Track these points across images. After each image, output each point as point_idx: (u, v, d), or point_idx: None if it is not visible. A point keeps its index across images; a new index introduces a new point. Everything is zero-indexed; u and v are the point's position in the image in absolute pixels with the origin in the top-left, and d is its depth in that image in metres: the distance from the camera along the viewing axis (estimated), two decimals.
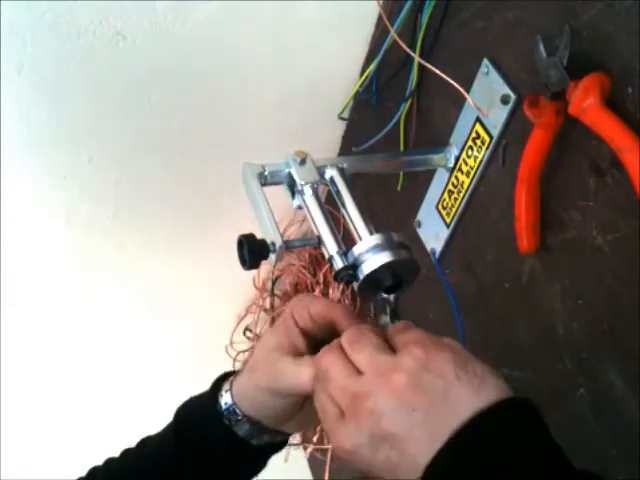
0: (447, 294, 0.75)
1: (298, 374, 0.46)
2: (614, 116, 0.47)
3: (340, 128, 0.97)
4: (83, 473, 0.55)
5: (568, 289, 0.57)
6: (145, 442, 0.55)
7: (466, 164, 0.67)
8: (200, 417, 0.53)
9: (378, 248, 0.49)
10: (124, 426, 0.98)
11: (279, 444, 0.55)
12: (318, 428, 1.06)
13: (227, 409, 0.51)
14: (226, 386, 0.52)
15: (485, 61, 0.63)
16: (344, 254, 0.51)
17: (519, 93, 0.59)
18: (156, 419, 0.54)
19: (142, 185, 0.94)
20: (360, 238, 0.53)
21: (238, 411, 0.51)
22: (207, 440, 0.52)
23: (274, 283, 1.13)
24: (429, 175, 0.74)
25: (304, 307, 0.49)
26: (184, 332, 1.15)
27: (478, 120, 0.65)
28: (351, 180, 0.60)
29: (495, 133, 0.63)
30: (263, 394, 0.49)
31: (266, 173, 0.58)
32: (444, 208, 0.72)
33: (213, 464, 0.52)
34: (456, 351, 0.40)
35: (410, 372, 0.38)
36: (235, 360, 1.12)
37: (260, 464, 0.55)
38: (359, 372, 0.41)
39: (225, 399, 0.52)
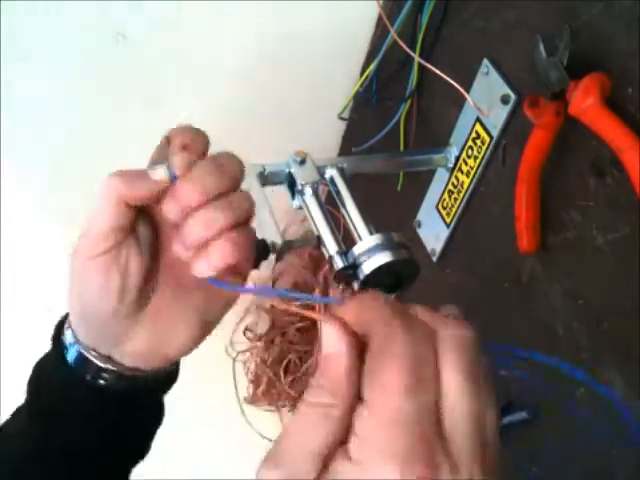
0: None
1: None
2: (614, 116, 0.47)
3: (340, 128, 0.97)
4: None
5: (568, 289, 0.57)
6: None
7: (466, 164, 0.67)
8: (52, 380, 0.49)
9: (378, 248, 0.49)
10: None
11: (164, 379, 0.50)
12: None
13: (76, 358, 0.48)
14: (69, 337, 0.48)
15: (485, 61, 0.63)
16: (344, 254, 0.51)
17: (519, 93, 0.59)
18: None
19: None
20: (360, 238, 0.53)
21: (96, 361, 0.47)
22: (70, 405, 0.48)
23: (274, 283, 1.13)
24: (429, 175, 0.74)
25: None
26: None
27: (478, 120, 0.65)
28: (351, 180, 0.60)
29: (495, 133, 0.63)
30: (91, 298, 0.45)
31: (266, 173, 0.58)
32: (444, 208, 0.72)
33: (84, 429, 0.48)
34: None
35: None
36: (235, 360, 1.12)
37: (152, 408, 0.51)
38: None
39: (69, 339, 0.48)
